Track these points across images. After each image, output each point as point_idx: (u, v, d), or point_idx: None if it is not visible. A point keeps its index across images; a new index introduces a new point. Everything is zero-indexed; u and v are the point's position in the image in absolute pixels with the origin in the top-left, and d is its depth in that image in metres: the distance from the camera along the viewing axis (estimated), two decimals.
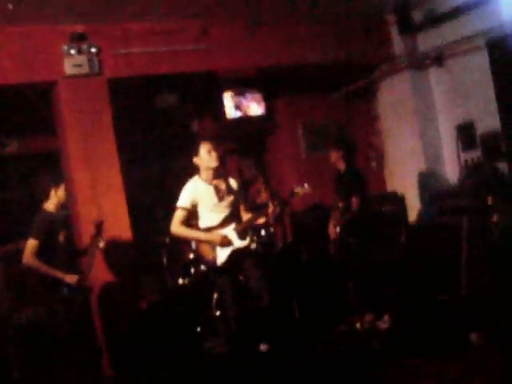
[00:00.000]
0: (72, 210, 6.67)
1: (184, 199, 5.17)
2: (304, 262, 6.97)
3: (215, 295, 6.25)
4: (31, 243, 5.09)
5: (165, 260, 6.71)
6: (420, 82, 8.19)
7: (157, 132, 7.68)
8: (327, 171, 7.46)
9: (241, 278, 5.45)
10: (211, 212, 5.19)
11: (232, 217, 5.26)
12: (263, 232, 6.68)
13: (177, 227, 5.16)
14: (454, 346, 4.81)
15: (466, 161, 7.57)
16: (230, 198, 5.26)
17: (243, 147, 8.30)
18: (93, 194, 6.37)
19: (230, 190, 5.28)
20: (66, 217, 5.72)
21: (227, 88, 7.88)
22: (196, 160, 5.21)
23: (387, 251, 6.23)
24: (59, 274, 5.13)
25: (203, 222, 5.24)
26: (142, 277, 6.69)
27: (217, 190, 5.21)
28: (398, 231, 6.59)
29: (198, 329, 6.27)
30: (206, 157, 5.14)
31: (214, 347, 5.89)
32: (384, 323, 5.72)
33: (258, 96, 8.12)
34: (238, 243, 5.21)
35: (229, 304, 5.25)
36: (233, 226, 5.22)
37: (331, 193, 6.71)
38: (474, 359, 4.63)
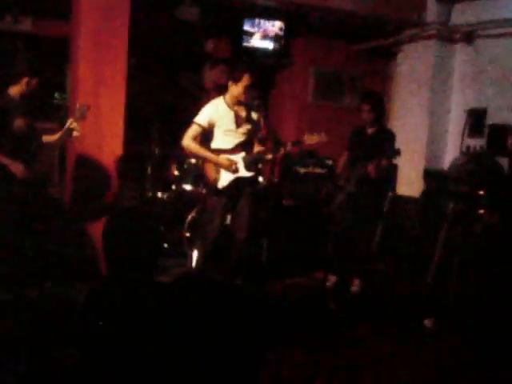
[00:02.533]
0: (69, 101, 6.59)
1: (202, 117, 5.19)
2: (285, 206, 6.98)
3: (189, 217, 6.31)
4: None
5: (149, 171, 6.71)
6: (444, 56, 7.98)
7: (170, 44, 7.53)
8: (330, 121, 7.40)
9: (232, 205, 5.45)
10: (225, 136, 5.22)
11: (244, 145, 5.28)
12: None
13: (188, 141, 5.17)
14: (406, 327, 4.91)
15: (468, 147, 7.48)
16: (247, 127, 5.27)
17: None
18: (93, 89, 6.24)
19: (248, 120, 5.29)
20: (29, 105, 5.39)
21: (248, 14, 7.72)
22: (231, 83, 5.17)
23: (370, 217, 6.18)
24: (5, 160, 4.93)
25: (216, 144, 5.26)
26: (123, 182, 6.67)
27: (236, 115, 5.23)
28: (384, 199, 6.59)
29: (165, 245, 6.36)
30: (241, 88, 5.12)
31: (173, 266, 5.94)
32: (354, 287, 5.79)
33: (277, 29, 7.97)
34: (244, 173, 5.26)
35: (212, 224, 5.26)
36: (243, 154, 5.26)
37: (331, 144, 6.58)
38: (420, 343, 4.74)
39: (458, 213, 5.86)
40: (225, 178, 5.21)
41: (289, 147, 5.41)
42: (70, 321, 4.31)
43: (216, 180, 5.22)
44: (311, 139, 5.32)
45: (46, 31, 7.19)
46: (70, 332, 4.10)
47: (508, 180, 6.72)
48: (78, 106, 5.27)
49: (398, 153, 5.51)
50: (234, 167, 5.18)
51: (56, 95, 7.34)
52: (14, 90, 5.13)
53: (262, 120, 5.81)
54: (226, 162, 5.17)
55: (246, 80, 5.11)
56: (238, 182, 5.23)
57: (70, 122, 5.13)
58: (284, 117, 8.29)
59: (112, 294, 4.93)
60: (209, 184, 5.35)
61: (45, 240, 5.32)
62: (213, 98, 5.42)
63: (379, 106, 5.90)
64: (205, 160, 5.29)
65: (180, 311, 3.74)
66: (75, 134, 5.17)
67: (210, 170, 5.27)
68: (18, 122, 5.07)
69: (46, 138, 5.31)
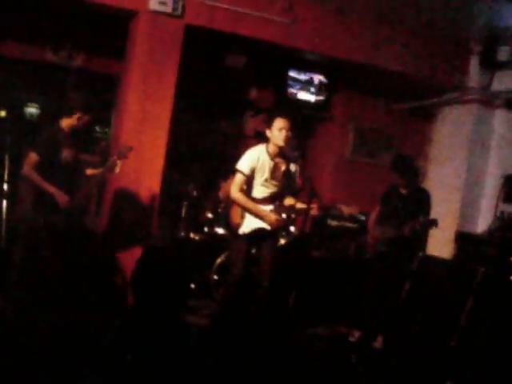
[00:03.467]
0: (114, 136, 6.81)
1: (245, 163, 5.14)
2: (314, 258, 6.99)
3: (219, 260, 6.39)
4: (32, 156, 5.14)
5: (184, 211, 6.83)
6: (483, 121, 8.03)
7: (215, 89, 7.68)
8: (367, 177, 7.45)
9: (255, 252, 5.47)
10: (259, 185, 5.21)
11: (274, 197, 5.25)
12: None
13: (237, 193, 5.12)
14: None
15: (502, 213, 7.50)
16: (282, 181, 5.24)
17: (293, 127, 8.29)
18: (138, 127, 6.45)
19: (286, 174, 5.24)
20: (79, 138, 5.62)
21: (293, 65, 7.94)
22: (268, 132, 5.19)
23: (399, 276, 6.17)
24: (51, 189, 5.13)
25: (253, 192, 5.24)
26: (158, 220, 6.79)
27: (275, 168, 5.20)
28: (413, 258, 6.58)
29: (192, 286, 6.43)
30: (276, 132, 5.11)
31: (200, 308, 6.04)
32: (377, 343, 5.77)
33: (321, 83, 8.17)
34: (266, 225, 5.18)
35: (234, 269, 5.23)
36: (272, 206, 5.21)
37: (365, 200, 6.62)
38: None
39: (487, 278, 5.81)
40: (247, 225, 5.18)
41: (320, 212, 5.36)
42: (95, 351, 4.40)
43: (239, 225, 5.22)
44: (345, 210, 5.40)
45: (97, 68, 7.42)
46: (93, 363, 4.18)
47: None
48: (121, 145, 5.47)
49: (435, 223, 5.53)
50: (276, 223, 5.11)
51: (97, 128, 7.56)
52: (66, 123, 5.34)
53: (298, 172, 5.89)
54: (270, 219, 5.11)
55: (278, 123, 5.09)
56: (259, 232, 5.18)
57: (113, 159, 5.33)
58: (321, 169, 8.37)
59: (138, 329, 5.03)
60: (232, 228, 5.39)
61: (75, 268, 5.46)
62: (252, 145, 5.42)
63: (408, 171, 5.91)
64: (250, 212, 5.20)
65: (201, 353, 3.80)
66: (116, 170, 5.37)
67: (235, 215, 5.30)
68: (66, 154, 5.28)
69: (90, 172, 5.51)
